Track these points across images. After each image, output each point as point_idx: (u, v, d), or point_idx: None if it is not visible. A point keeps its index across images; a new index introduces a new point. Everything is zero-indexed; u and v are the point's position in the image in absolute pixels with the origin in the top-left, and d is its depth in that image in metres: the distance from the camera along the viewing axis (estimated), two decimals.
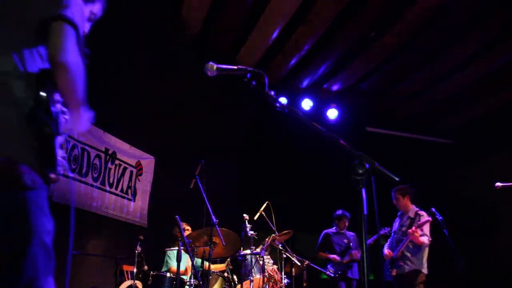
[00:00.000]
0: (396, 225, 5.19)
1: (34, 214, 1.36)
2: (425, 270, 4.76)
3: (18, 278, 1.32)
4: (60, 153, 1.45)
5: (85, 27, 1.72)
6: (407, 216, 5.01)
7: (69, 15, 1.39)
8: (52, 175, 1.40)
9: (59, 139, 1.45)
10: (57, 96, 1.45)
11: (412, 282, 4.69)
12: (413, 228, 4.67)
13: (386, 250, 4.99)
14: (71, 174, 1.49)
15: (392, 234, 5.22)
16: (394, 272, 4.85)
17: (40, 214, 1.38)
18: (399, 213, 5.19)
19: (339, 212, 6.29)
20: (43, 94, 1.36)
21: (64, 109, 1.50)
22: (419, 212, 4.94)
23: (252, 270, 4.41)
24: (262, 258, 4.51)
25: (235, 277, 4.65)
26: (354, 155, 1.47)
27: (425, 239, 4.68)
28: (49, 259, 1.40)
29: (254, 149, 8.05)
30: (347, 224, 6.26)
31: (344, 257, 5.99)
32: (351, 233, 6.29)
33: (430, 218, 4.72)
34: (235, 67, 1.91)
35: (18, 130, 1.32)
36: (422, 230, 4.78)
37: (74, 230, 1.56)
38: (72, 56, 1.38)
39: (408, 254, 4.80)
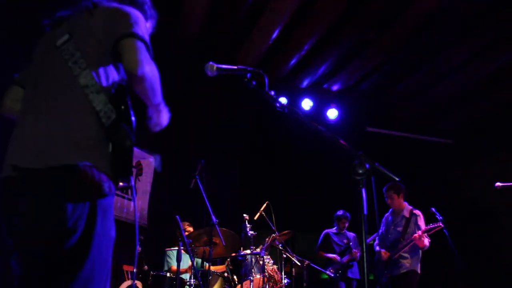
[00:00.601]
0: (387, 223, 5.03)
1: (99, 218, 1.42)
2: (419, 270, 4.73)
3: (75, 277, 1.36)
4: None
5: None
6: (401, 215, 4.88)
7: (139, 32, 1.50)
8: (121, 183, 1.49)
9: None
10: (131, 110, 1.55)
11: (410, 282, 4.62)
12: (419, 233, 4.55)
13: (382, 251, 4.83)
14: (132, 183, 1.59)
15: (382, 232, 5.05)
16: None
17: (104, 219, 1.44)
18: (390, 210, 5.06)
19: (340, 212, 6.30)
20: (123, 106, 1.46)
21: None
22: (414, 211, 4.86)
23: (252, 270, 4.41)
24: (262, 258, 4.51)
25: (235, 277, 4.65)
26: (354, 155, 1.47)
27: (427, 242, 4.64)
28: (107, 264, 1.48)
29: (254, 149, 8.05)
30: (347, 224, 6.27)
31: (344, 257, 5.99)
32: (352, 233, 6.29)
33: (441, 225, 4.55)
34: (235, 67, 1.91)
35: (98, 140, 1.40)
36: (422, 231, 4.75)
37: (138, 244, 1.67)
38: (148, 66, 1.48)
39: (406, 255, 4.72)
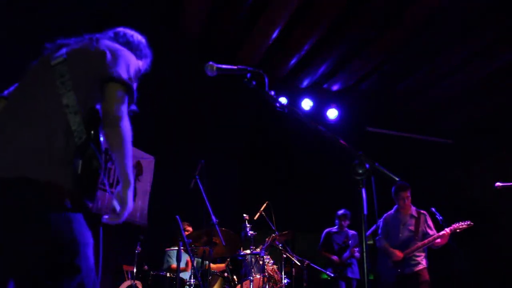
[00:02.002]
0: (394, 222, 4.92)
1: (77, 227, 1.50)
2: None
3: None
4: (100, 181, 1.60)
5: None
6: (410, 214, 4.83)
7: (124, 76, 1.57)
8: (90, 205, 1.56)
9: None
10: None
11: (425, 280, 4.55)
12: (447, 230, 4.49)
13: (395, 251, 4.68)
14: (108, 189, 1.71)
15: (388, 231, 4.92)
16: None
17: (81, 227, 1.52)
18: (394, 209, 4.98)
19: (341, 211, 6.30)
20: (93, 131, 1.53)
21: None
22: (420, 211, 4.87)
23: (252, 270, 4.41)
24: (262, 258, 4.51)
25: (235, 277, 4.65)
26: (354, 155, 1.47)
27: None
28: (92, 271, 1.53)
29: (254, 149, 8.06)
30: (348, 223, 6.26)
31: (343, 255, 6.00)
32: (353, 231, 6.29)
33: (471, 223, 4.51)
34: (235, 67, 1.91)
35: (67, 157, 1.46)
36: (432, 230, 4.72)
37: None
38: (124, 120, 1.54)
39: (419, 253, 4.65)
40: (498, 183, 4.27)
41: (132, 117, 1.76)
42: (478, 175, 7.46)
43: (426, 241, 4.60)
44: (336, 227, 6.32)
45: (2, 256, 1.41)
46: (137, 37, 1.96)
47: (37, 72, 1.63)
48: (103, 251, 1.68)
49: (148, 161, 6.39)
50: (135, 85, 1.68)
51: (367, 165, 1.44)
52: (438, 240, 4.55)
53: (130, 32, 1.95)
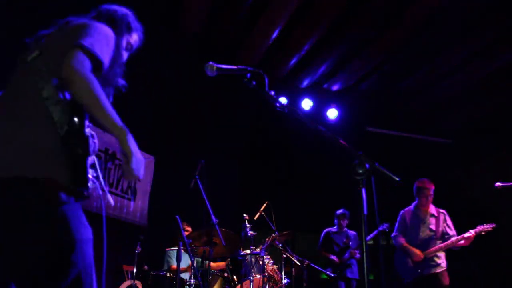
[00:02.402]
0: (413, 220, 4.74)
1: (73, 224, 1.50)
2: None
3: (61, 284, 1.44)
4: (90, 172, 1.57)
5: (123, 56, 1.89)
6: (430, 213, 4.70)
7: (86, 43, 1.52)
8: (85, 193, 1.55)
9: (90, 160, 1.57)
10: (87, 121, 1.58)
11: (445, 282, 4.46)
12: (472, 232, 4.41)
13: (417, 251, 4.53)
14: (100, 193, 1.63)
15: (406, 229, 4.74)
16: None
17: (75, 224, 1.51)
18: (413, 205, 4.81)
19: (340, 211, 6.30)
20: (75, 118, 1.49)
21: (93, 132, 1.61)
22: (440, 210, 4.74)
23: (252, 270, 4.41)
24: (262, 258, 4.51)
25: (235, 277, 4.65)
26: (354, 155, 1.47)
27: None
28: (90, 267, 1.54)
29: (254, 149, 8.06)
30: (347, 222, 6.26)
31: (343, 256, 6.00)
32: (353, 232, 6.29)
33: (494, 225, 4.47)
34: (235, 67, 1.91)
35: (55, 151, 1.46)
36: (452, 230, 4.65)
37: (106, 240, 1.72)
38: (80, 74, 1.47)
39: (440, 253, 4.55)
40: (498, 183, 4.26)
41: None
42: (478, 175, 7.46)
43: (449, 242, 4.47)
44: (335, 227, 6.32)
45: (3, 256, 1.40)
46: (122, 11, 1.91)
47: (18, 70, 1.63)
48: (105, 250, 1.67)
49: (148, 161, 6.39)
50: (107, 58, 1.62)
51: (367, 165, 1.44)
52: (462, 241, 4.44)
53: (113, 7, 1.89)
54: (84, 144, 1.50)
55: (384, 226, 5.91)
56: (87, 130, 1.57)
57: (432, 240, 4.59)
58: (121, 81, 1.85)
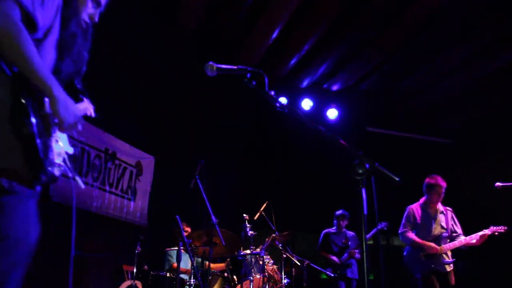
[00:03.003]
0: (424, 216, 4.64)
1: (8, 217, 1.34)
2: None
3: None
4: (53, 154, 1.43)
5: (94, 15, 1.68)
6: (439, 210, 4.66)
7: None
8: (43, 178, 1.38)
9: (53, 139, 1.44)
10: (46, 101, 1.44)
11: (452, 282, 4.40)
12: (487, 232, 4.34)
13: (432, 244, 4.44)
14: (70, 175, 1.47)
15: (417, 224, 4.63)
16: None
17: (14, 219, 1.36)
18: (421, 202, 4.72)
19: (339, 212, 6.30)
20: (21, 95, 1.34)
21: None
22: (446, 207, 4.73)
23: (252, 270, 4.41)
24: (262, 258, 4.51)
25: (235, 277, 4.65)
26: (354, 155, 1.47)
27: None
28: (19, 269, 1.38)
29: (254, 149, 8.06)
30: (346, 223, 6.25)
31: (342, 256, 6.00)
32: (351, 232, 6.29)
33: (506, 228, 4.40)
34: (235, 67, 1.91)
35: None
36: (459, 228, 4.61)
37: (75, 230, 1.55)
38: (10, 29, 1.30)
39: (449, 253, 4.49)
40: (498, 183, 4.26)
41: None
42: (478, 175, 7.46)
43: (464, 241, 4.41)
44: (334, 227, 6.32)
45: None
46: None
47: None
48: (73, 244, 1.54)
49: (148, 161, 6.39)
50: (40, 9, 1.41)
51: (367, 165, 1.44)
52: (474, 241, 4.39)
53: None
54: (32, 123, 1.34)
55: (382, 224, 5.92)
56: (47, 107, 1.44)
57: (443, 237, 4.53)
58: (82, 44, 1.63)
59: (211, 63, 1.88)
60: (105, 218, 5.52)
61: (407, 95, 7.51)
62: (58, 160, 1.46)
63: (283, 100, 7.06)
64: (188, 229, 5.11)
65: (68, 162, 1.52)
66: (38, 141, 1.35)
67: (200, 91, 6.72)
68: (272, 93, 1.83)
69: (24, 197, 1.39)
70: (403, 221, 4.75)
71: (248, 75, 1.87)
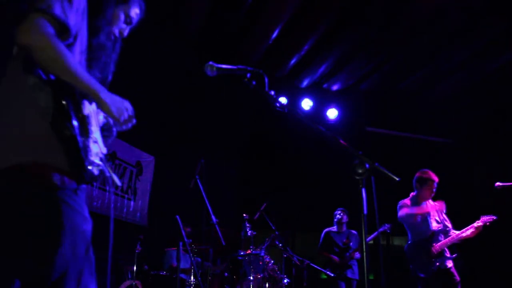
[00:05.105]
0: (431, 212, 4.58)
1: (64, 213, 1.41)
2: None
3: (49, 274, 1.37)
4: (91, 154, 1.50)
5: (123, 30, 1.78)
6: (431, 204, 4.60)
7: (43, 6, 1.40)
8: (85, 175, 1.47)
9: (91, 140, 1.52)
10: (85, 102, 1.52)
11: (457, 279, 4.31)
12: (481, 223, 4.27)
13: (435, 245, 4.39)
14: (107, 174, 1.58)
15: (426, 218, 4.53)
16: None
17: (71, 213, 1.44)
18: (413, 198, 4.64)
19: (338, 211, 6.30)
20: (62, 99, 1.43)
21: (96, 110, 1.56)
22: (435, 201, 4.63)
23: (252, 270, 4.41)
24: (262, 258, 4.52)
25: (235, 277, 4.65)
26: (354, 155, 1.47)
27: None
28: (82, 259, 1.46)
29: (254, 149, 8.06)
30: (346, 219, 6.24)
31: (343, 256, 5.99)
32: (354, 231, 6.28)
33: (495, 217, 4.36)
34: (235, 67, 1.91)
35: (45, 137, 1.40)
36: (449, 222, 4.57)
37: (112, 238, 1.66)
38: (37, 36, 1.37)
39: (448, 249, 4.41)
40: (498, 183, 4.25)
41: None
42: (478, 175, 7.46)
43: (456, 236, 4.33)
44: (335, 227, 6.31)
45: (7, 257, 1.36)
46: None
47: (8, 64, 1.57)
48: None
49: (148, 161, 6.39)
50: (73, 19, 1.48)
51: (367, 165, 1.44)
52: (469, 232, 4.31)
53: None
54: (73, 126, 1.43)
55: (386, 226, 5.89)
56: (88, 108, 1.52)
57: (440, 232, 4.48)
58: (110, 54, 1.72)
59: (211, 63, 1.88)
60: (105, 218, 5.51)
61: (407, 95, 7.51)
62: (96, 160, 1.53)
63: (283, 100, 7.06)
64: (187, 229, 5.12)
65: (105, 162, 1.60)
66: (79, 142, 1.44)
67: (200, 91, 6.72)
68: (272, 93, 1.83)
69: (75, 192, 1.48)
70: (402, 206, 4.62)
71: (248, 75, 1.87)
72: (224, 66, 1.89)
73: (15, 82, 1.48)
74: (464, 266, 4.90)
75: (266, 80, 1.84)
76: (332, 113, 7.62)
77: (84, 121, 1.51)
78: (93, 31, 1.62)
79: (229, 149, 7.51)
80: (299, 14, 5.82)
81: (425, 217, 4.54)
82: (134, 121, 1.71)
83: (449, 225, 4.57)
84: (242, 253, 4.65)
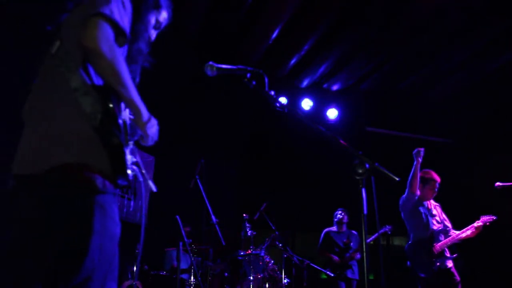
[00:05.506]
0: (423, 211, 4.57)
1: (98, 217, 1.41)
2: None
3: (75, 276, 1.38)
4: (129, 159, 1.54)
5: (151, 34, 1.82)
6: (433, 205, 4.61)
7: (106, 11, 1.43)
8: (124, 183, 1.51)
9: (129, 147, 1.55)
10: (123, 105, 1.55)
11: (457, 278, 4.29)
12: (481, 223, 4.25)
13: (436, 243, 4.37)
14: (140, 179, 1.61)
15: (419, 213, 4.52)
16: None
17: (104, 217, 1.44)
18: (426, 203, 4.61)
19: (338, 211, 6.30)
20: (109, 105, 1.44)
21: (131, 116, 1.58)
22: (435, 203, 4.67)
23: (252, 270, 4.41)
24: (262, 258, 4.52)
25: (235, 277, 4.65)
26: (354, 155, 1.47)
27: None
28: (108, 263, 1.46)
29: (254, 149, 8.06)
30: (346, 220, 6.24)
31: (343, 257, 5.99)
32: (354, 232, 6.28)
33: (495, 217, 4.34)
34: (235, 67, 1.91)
35: (89, 140, 1.42)
36: (449, 222, 4.56)
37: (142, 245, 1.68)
38: (106, 45, 1.41)
39: (448, 249, 4.39)
40: (498, 183, 4.25)
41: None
42: (478, 175, 7.46)
43: (460, 233, 4.31)
44: (334, 227, 6.31)
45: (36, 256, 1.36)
46: None
47: (44, 64, 1.58)
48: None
49: (148, 161, 6.39)
50: (128, 27, 1.54)
51: (367, 165, 1.44)
52: (469, 232, 4.30)
53: None
54: (121, 132, 1.46)
55: (387, 228, 5.89)
56: (125, 114, 1.54)
57: (440, 232, 4.47)
58: (148, 58, 1.79)
59: (211, 63, 1.88)
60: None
61: (407, 95, 7.51)
62: (130, 165, 1.56)
63: (283, 100, 7.06)
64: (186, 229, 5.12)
65: (139, 167, 1.63)
66: (125, 149, 1.47)
67: (200, 91, 6.72)
68: (272, 93, 1.83)
69: (112, 197, 1.49)
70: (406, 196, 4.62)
71: (248, 75, 1.87)
72: (224, 66, 1.90)
73: (57, 81, 1.47)
74: (464, 266, 4.90)
75: (266, 80, 1.84)
76: (332, 113, 7.62)
77: (125, 127, 1.53)
78: (133, 36, 1.65)
79: (229, 149, 7.51)
80: (299, 14, 5.82)
81: (427, 216, 4.53)
82: (156, 138, 1.76)
83: (449, 225, 4.57)
84: (242, 253, 4.65)
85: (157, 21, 1.82)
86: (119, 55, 1.44)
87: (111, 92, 1.47)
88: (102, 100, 1.44)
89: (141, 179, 1.65)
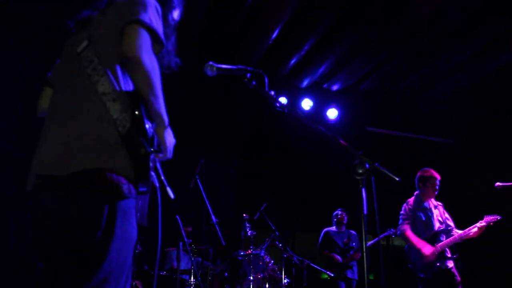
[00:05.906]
0: (425, 210, 4.53)
1: (119, 221, 1.43)
2: None
3: (92, 278, 1.38)
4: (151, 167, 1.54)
5: (174, 33, 1.86)
6: (434, 204, 4.58)
7: (145, 19, 1.45)
8: (145, 189, 1.52)
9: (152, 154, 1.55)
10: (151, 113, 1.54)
11: (458, 279, 4.26)
12: (483, 223, 4.21)
13: (427, 250, 4.31)
14: (157, 185, 1.62)
15: (408, 218, 4.50)
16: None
17: (125, 222, 1.46)
18: (417, 196, 4.59)
19: (337, 211, 6.30)
20: (137, 114, 1.45)
21: (151, 124, 1.58)
22: (437, 202, 4.65)
23: (252, 270, 4.41)
24: (262, 258, 4.52)
25: (235, 277, 4.65)
26: (354, 155, 1.47)
27: None
28: (125, 266, 1.48)
29: (254, 149, 8.06)
30: (346, 220, 6.24)
31: (344, 257, 5.99)
32: (353, 232, 6.28)
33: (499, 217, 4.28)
34: (235, 67, 1.91)
35: (116, 146, 1.42)
36: (451, 221, 4.53)
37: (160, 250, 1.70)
38: (147, 55, 1.42)
39: (449, 249, 4.37)
40: (498, 183, 4.24)
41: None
42: (478, 175, 7.46)
43: (458, 236, 4.28)
44: (334, 227, 6.31)
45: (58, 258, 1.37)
46: None
47: (67, 62, 1.56)
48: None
49: None
50: (161, 28, 1.56)
51: (367, 165, 1.44)
52: (472, 233, 4.26)
53: None
54: (148, 141, 1.46)
55: (391, 231, 5.87)
56: (147, 126, 1.53)
57: (441, 232, 4.44)
58: (174, 59, 1.83)
59: (211, 63, 1.88)
60: None
61: (407, 95, 7.51)
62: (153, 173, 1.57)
63: (283, 100, 7.06)
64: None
65: (159, 173, 1.67)
66: (150, 158, 1.47)
67: (200, 91, 6.72)
68: (272, 93, 1.83)
69: (133, 202, 1.51)
70: (402, 215, 4.59)
71: (248, 75, 1.87)
72: (224, 66, 1.90)
73: (83, 82, 1.46)
74: (464, 266, 4.90)
75: (266, 80, 1.84)
76: (332, 113, 7.62)
77: (152, 137, 1.54)
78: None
79: (229, 149, 7.50)
80: (299, 14, 5.82)
81: (429, 216, 4.50)
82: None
83: (452, 224, 4.54)
84: (242, 253, 4.65)
85: (173, 20, 1.88)
86: (157, 65, 1.46)
87: (140, 100, 1.46)
88: (131, 108, 1.44)
89: (157, 184, 1.66)
